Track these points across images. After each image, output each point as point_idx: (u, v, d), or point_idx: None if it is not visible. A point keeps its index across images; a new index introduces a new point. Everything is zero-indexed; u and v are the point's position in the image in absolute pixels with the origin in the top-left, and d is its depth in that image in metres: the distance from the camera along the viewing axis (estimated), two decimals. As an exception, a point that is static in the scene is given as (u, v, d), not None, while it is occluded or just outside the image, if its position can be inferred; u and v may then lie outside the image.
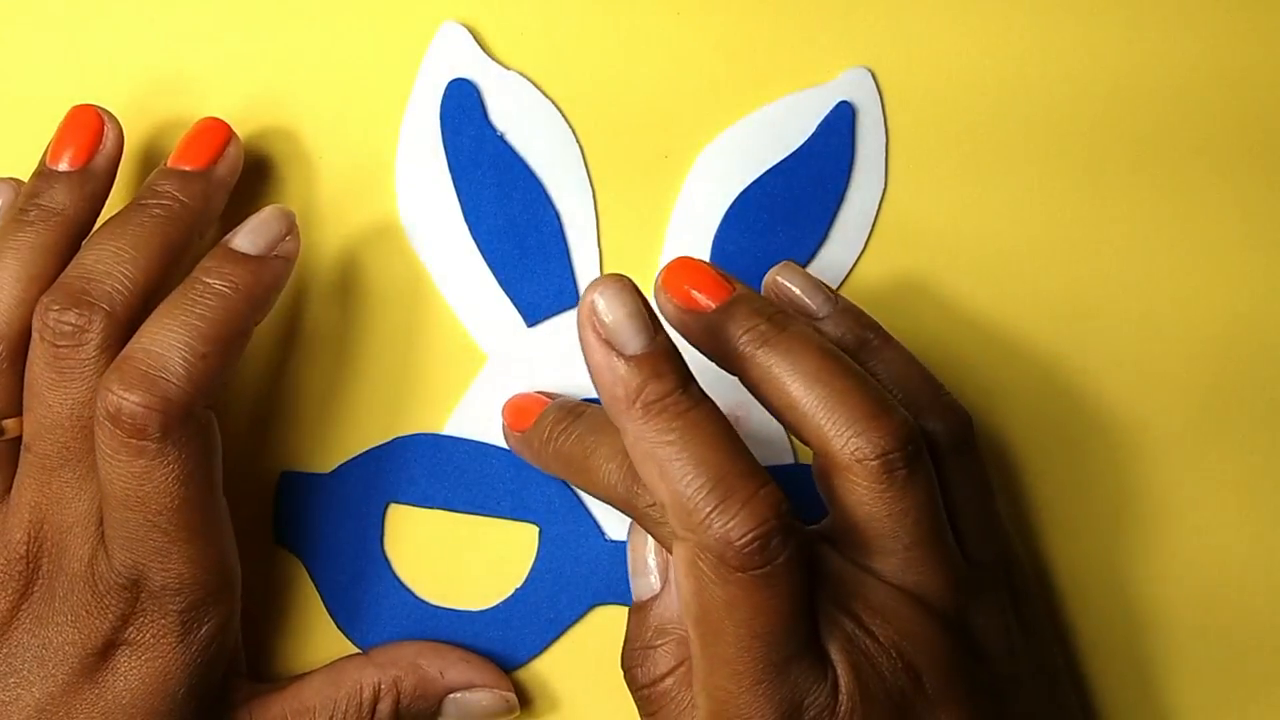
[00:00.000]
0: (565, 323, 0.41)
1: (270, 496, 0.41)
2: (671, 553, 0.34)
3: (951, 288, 0.41)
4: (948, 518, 0.36)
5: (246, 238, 0.37)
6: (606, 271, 0.41)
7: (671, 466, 0.32)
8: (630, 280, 0.33)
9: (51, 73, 0.41)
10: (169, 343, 0.34)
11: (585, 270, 0.41)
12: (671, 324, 0.36)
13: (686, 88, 0.41)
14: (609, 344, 0.33)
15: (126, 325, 0.35)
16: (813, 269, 0.41)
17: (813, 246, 0.41)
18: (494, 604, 0.41)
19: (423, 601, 0.41)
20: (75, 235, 0.37)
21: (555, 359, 0.41)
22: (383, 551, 0.41)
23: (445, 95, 0.41)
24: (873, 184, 0.41)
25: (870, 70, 0.41)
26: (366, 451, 0.41)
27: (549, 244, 0.41)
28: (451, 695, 0.39)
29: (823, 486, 0.35)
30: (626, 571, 0.40)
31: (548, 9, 0.41)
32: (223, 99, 0.41)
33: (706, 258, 0.41)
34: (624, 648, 0.37)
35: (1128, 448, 0.42)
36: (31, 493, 0.36)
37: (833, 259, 0.41)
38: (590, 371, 0.33)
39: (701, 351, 0.36)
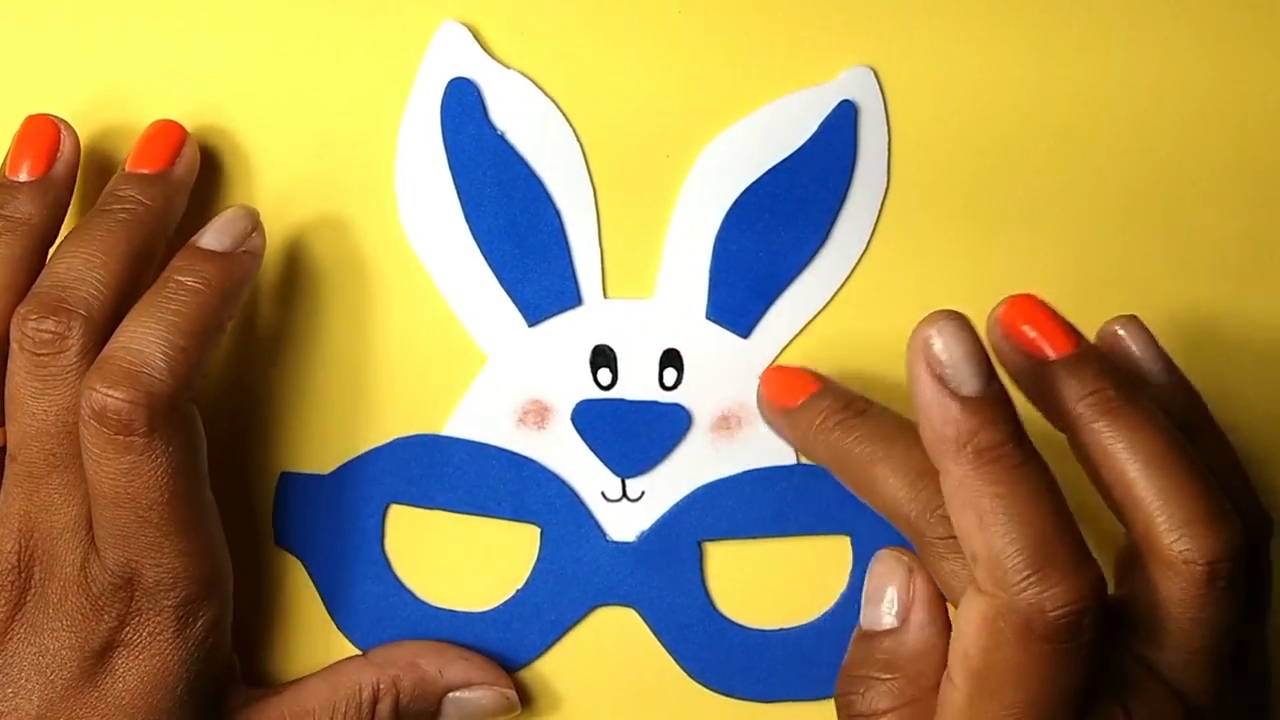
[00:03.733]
0: (566, 323, 0.41)
1: (270, 497, 0.41)
2: (957, 598, 0.33)
3: (953, 289, 0.41)
4: None
5: (214, 236, 0.37)
6: (607, 274, 0.41)
7: (995, 519, 0.31)
8: (967, 319, 0.32)
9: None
10: (148, 339, 0.35)
11: (586, 270, 0.41)
12: (1003, 363, 0.34)
13: (688, 87, 0.41)
14: (942, 381, 0.32)
15: (103, 329, 0.35)
16: (814, 269, 0.41)
17: (814, 246, 0.41)
18: (495, 605, 0.41)
19: (423, 602, 0.41)
20: (42, 244, 0.37)
21: (556, 359, 0.41)
22: (383, 552, 0.41)
23: (445, 94, 0.40)
24: (875, 183, 0.41)
25: (872, 69, 0.41)
26: (366, 452, 0.41)
27: (549, 244, 0.41)
28: (451, 694, 0.39)
29: (1126, 568, 0.34)
30: (628, 571, 0.40)
31: (548, 8, 0.41)
32: (222, 100, 0.41)
33: (708, 257, 0.41)
34: (842, 672, 0.36)
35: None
36: (20, 502, 0.36)
37: (834, 259, 0.41)
38: (917, 407, 0.32)
39: (1030, 399, 0.34)
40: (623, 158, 0.41)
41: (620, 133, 0.41)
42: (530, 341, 0.41)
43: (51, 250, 0.37)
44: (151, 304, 0.35)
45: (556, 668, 0.41)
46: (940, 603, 0.35)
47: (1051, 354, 0.34)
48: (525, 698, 0.41)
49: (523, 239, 0.41)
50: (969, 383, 0.32)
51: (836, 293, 0.41)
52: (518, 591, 0.41)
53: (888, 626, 0.35)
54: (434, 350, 0.41)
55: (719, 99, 0.41)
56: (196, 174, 0.39)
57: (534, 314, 0.41)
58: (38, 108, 0.39)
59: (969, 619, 0.32)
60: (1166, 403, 0.35)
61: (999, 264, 0.41)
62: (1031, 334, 0.34)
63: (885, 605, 0.36)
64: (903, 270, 0.41)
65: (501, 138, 0.41)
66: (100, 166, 0.41)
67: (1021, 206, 0.41)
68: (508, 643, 0.41)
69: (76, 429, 0.35)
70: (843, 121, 0.41)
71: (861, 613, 0.36)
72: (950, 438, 0.32)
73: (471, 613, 0.41)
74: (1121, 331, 0.37)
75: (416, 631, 0.41)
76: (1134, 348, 0.37)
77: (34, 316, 0.35)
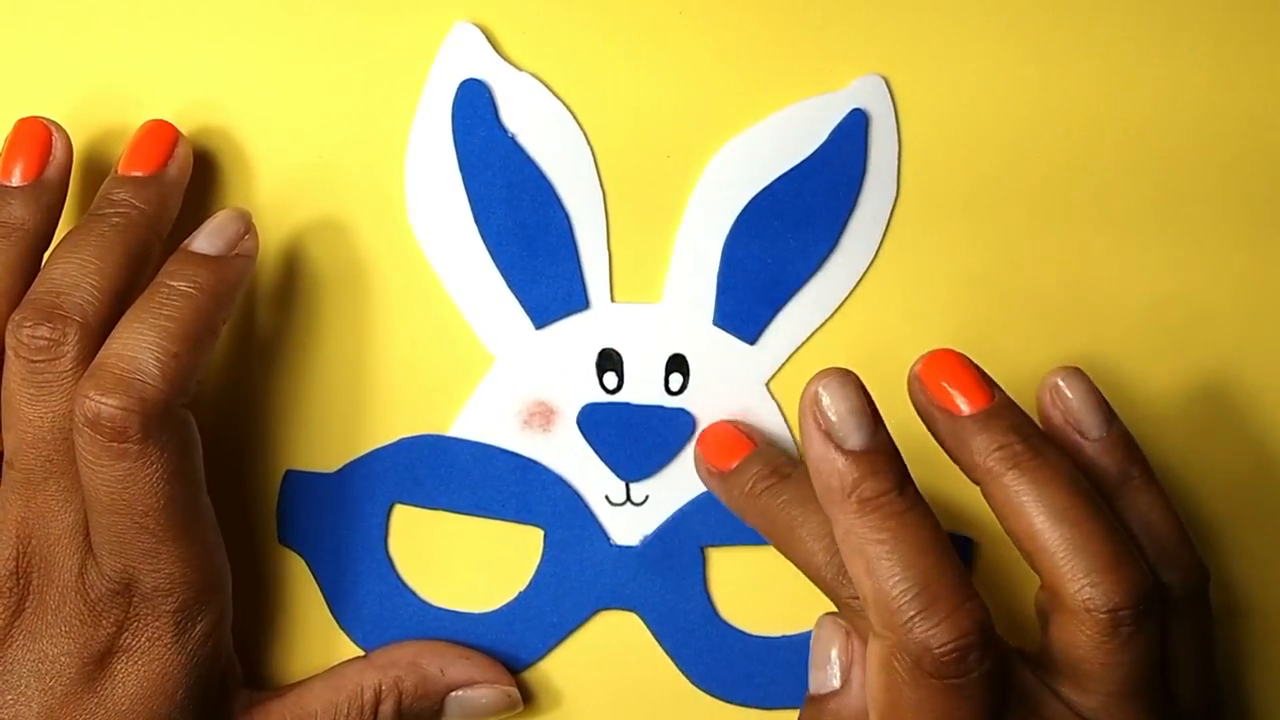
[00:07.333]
0: (573, 325, 0.41)
1: (274, 495, 0.41)
2: (866, 645, 0.34)
3: (961, 298, 0.41)
4: (1165, 666, 0.36)
5: (206, 240, 0.37)
6: (615, 278, 0.41)
7: (880, 565, 0.33)
8: (855, 375, 0.34)
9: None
10: (141, 345, 0.34)
11: (594, 273, 0.41)
12: (920, 414, 0.36)
13: (699, 92, 0.41)
14: (829, 436, 0.34)
15: (99, 335, 0.35)
16: (822, 276, 0.41)
17: (823, 253, 0.41)
18: (498, 607, 0.41)
19: (426, 603, 0.41)
20: (37, 249, 0.37)
21: (562, 361, 0.41)
22: (386, 552, 0.41)
23: (457, 96, 0.40)
24: (884, 192, 0.41)
25: (884, 78, 0.41)
26: (372, 452, 0.41)
27: (558, 246, 0.41)
28: (454, 693, 0.39)
29: (1041, 615, 0.36)
30: (630, 575, 0.41)
31: (561, 10, 0.41)
32: (232, 100, 0.41)
33: (716, 263, 0.41)
34: None
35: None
36: (17, 509, 0.36)
37: (842, 267, 0.41)
38: (808, 460, 0.34)
39: (947, 452, 0.36)
40: (633, 162, 0.41)
41: (631, 137, 0.41)
42: (537, 344, 0.41)
43: (46, 255, 0.37)
44: (144, 309, 0.35)
45: (558, 670, 0.41)
46: None
47: (966, 408, 0.35)
48: (526, 700, 0.41)
49: (531, 241, 0.41)
50: (853, 436, 0.33)
51: (844, 301, 0.41)
52: (520, 594, 0.41)
53: (833, 689, 0.37)
54: (441, 351, 0.41)
55: (730, 105, 0.41)
56: (190, 174, 0.39)
57: (541, 316, 0.41)
58: (30, 109, 0.39)
59: (871, 662, 0.34)
60: (1105, 457, 0.36)
61: (1007, 273, 0.41)
62: (948, 389, 0.35)
63: (829, 669, 0.37)
64: (911, 279, 0.41)
65: (512, 140, 0.41)
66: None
67: (1030, 216, 0.41)
68: (509, 644, 0.41)
69: (73, 435, 0.35)
70: (853, 130, 0.41)
71: (809, 678, 0.38)
72: (836, 488, 0.34)
73: (474, 614, 0.41)
74: (1062, 384, 0.37)
75: (418, 631, 0.41)
76: (1072, 400, 0.37)
77: (29, 323, 0.35)
